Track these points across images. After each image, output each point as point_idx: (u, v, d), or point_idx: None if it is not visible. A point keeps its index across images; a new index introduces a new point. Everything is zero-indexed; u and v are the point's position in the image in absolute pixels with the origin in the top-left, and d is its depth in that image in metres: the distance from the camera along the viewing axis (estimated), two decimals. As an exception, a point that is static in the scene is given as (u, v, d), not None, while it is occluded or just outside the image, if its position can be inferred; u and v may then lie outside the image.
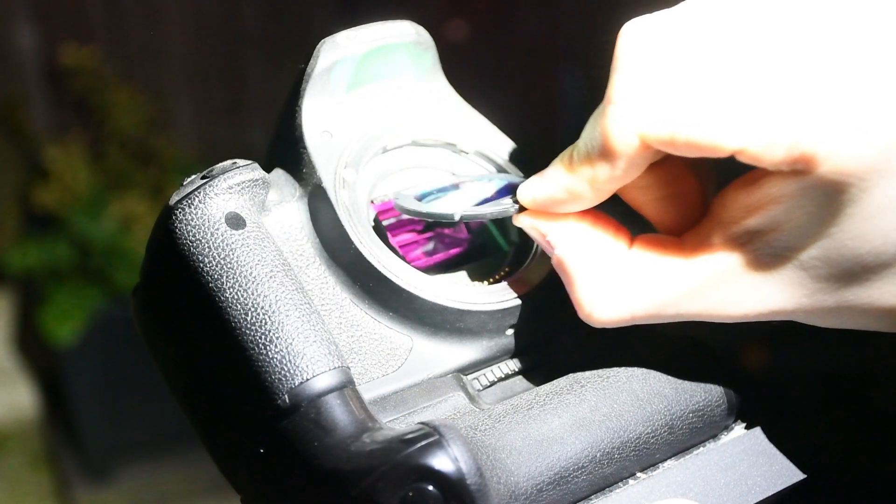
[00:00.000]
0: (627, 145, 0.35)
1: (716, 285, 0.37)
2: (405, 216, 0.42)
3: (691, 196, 0.39)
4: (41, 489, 1.92)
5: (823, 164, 0.32)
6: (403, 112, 0.45)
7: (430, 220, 0.41)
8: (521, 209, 0.40)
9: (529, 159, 0.46)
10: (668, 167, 0.38)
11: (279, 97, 0.44)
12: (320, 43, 0.43)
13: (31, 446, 2.00)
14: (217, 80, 2.14)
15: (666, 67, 0.34)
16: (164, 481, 1.92)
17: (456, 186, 0.44)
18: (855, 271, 0.34)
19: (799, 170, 0.33)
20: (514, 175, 0.45)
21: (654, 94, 0.34)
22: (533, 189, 0.40)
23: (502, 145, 0.46)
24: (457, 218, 0.41)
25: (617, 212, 0.40)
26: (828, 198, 0.33)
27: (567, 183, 0.38)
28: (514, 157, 0.46)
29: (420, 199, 0.43)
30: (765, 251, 0.35)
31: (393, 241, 0.42)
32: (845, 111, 0.32)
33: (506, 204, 0.41)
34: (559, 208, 0.39)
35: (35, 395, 2.06)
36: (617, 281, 0.38)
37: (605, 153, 0.36)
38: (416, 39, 0.45)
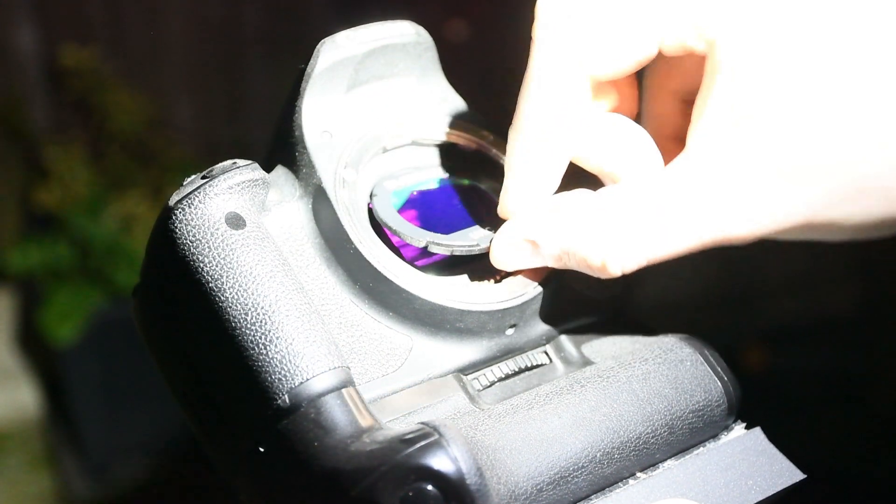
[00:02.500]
0: (561, 67, 0.39)
1: (716, 206, 0.37)
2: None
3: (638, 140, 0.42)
4: (41, 489, 1.92)
5: (724, 47, 0.37)
6: (403, 112, 0.45)
7: (399, 237, 0.41)
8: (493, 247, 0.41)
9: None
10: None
11: (279, 97, 0.44)
12: (320, 43, 0.43)
13: (32, 446, 2.00)
14: (217, 80, 2.14)
15: None
16: (163, 481, 1.92)
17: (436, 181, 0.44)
18: (836, 155, 0.36)
19: (714, 58, 0.37)
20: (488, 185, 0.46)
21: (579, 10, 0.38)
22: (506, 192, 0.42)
23: (502, 146, 0.46)
24: (423, 245, 0.41)
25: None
26: (758, 80, 0.36)
27: (519, 144, 0.41)
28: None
29: (397, 194, 0.43)
30: (745, 159, 0.37)
31: (393, 240, 0.42)
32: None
33: (474, 241, 0.42)
34: (535, 163, 0.41)
35: (35, 395, 2.06)
36: (620, 231, 0.38)
37: (538, 80, 0.39)
38: (416, 39, 0.45)
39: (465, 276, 0.43)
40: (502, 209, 0.42)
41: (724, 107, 0.37)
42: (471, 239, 0.42)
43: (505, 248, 0.41)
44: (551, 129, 0.40)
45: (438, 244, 0.41)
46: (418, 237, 0.41)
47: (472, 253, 0.42)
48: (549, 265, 0.41)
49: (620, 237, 0.38)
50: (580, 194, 0.40)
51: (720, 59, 0.37)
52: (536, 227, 0.40)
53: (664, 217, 0.38)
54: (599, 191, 0.40)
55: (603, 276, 0.39)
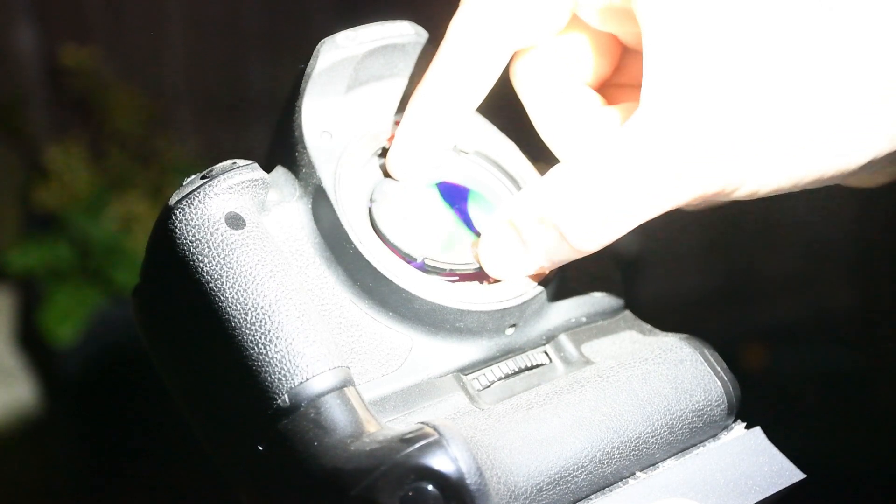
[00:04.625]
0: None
1: (685, 163, 0.36)
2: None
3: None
4: (41, 489, 1.92)
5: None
6: (403, 112, 0.45)
7: (394, 251, 0.41)
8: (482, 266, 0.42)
9: (529, 159, 0.46)
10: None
11: (279, 97, 0.44)
12: (320, 43, 0.43)
13: (32, 446, 2.00)
14: (217, 80, 2.14)
15: None
16: (164, 481, 1.92)
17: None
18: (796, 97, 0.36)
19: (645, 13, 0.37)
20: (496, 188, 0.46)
21: None
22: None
23: (502, 145, 0.46)
24: (419, 261, 0.41)
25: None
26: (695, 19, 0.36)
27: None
28: (514, 158, 0.46)
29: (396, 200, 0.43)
30: (710, 109, 0.36)
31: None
32: None
33: (470, 259, 0.42)
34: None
35: (35, 394, 2.06)
36: (590, 197, 0.38)
37: (452, 41, 0.42)
38: (416, 39, 0.45)
39: (465, 276, 0.43)
40: (388, 165, 0.43)
41: (675, 59, 0.37)
42: (468, 257, 0.42)
43: (491, 252, 0.41)
44: (453, 87, 0.42)
45: (435, 261, 0.41)
46: (415, 253, 0.41)
47: (469, 271, 0.42)
48: (537, 261, 0.40)
49: (592, 202, 0.38)
50: (554, 169, 0.40)
51: (651, 14, 0.37)
52: (515, 208, 0.40)
53: (628, 186, 0.37)
54: (562, 162, 0.40)
55: (582, 250, 0.39)
